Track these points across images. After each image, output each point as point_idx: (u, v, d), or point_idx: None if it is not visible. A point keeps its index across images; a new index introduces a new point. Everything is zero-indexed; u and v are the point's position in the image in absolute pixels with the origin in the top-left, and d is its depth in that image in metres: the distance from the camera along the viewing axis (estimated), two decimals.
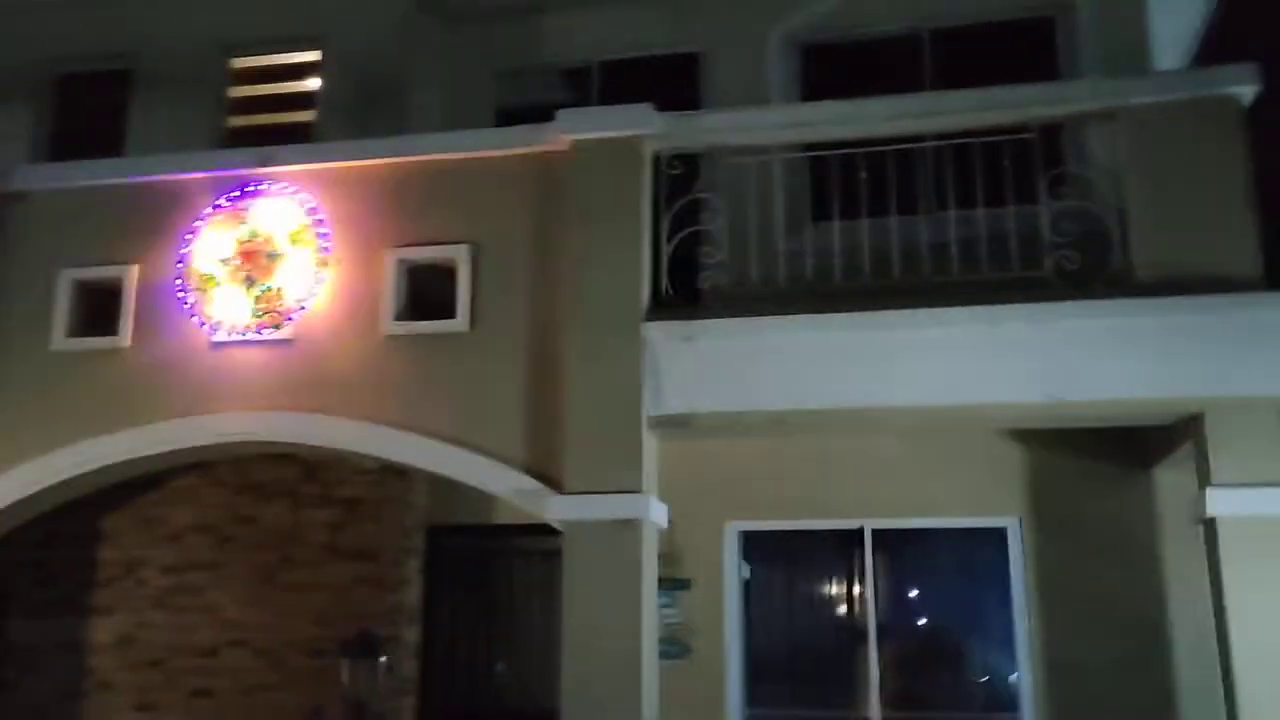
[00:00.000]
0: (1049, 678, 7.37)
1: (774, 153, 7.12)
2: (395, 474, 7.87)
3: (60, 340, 7.11)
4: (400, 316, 6.76)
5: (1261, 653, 5.62)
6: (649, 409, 6.27)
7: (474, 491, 8.18)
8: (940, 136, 6.80)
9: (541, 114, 6.92)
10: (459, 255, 6.74)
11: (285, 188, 6.98)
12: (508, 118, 8.85)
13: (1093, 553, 7.41)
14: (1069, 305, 6.03)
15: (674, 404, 6.27)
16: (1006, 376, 6.08)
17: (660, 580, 7.90)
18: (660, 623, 7.95)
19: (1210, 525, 5.85)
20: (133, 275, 7.07)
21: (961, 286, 6.30)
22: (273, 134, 8.81)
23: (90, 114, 9.34)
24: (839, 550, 7.88)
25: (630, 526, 6.11)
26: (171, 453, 6.89)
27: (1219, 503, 5.77)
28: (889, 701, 7.57)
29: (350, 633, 7.56)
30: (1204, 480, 5.89)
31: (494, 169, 6.86)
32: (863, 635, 7.69)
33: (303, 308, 6.78)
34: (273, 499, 7.98)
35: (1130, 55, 8.25)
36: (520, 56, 9.31)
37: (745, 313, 6.28)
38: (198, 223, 7.01)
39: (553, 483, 6.30)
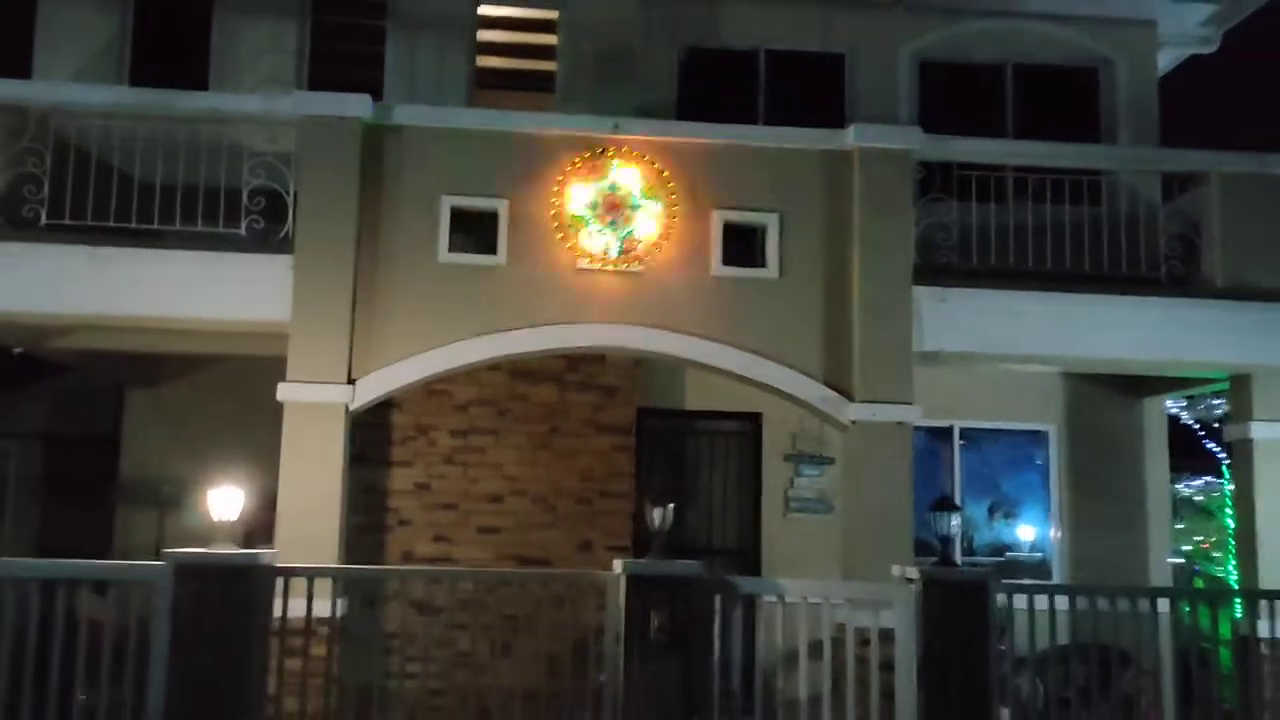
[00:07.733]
0: (1073, 535, 11.14)
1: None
2: (638, 368, 10.25)
3: (445, 255, 8.85)
4: (725, 262, 9.09)
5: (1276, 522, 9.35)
6: (915, 346, 9.08)
7: (668, 380, 10.84)
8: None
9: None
10: (769, 220, 9.12)
11: (633, 151, 9.05)
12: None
13: (1099, 449, 11.19)
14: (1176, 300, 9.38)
15: (930, 344, 9.12)
16: (1142, 340, 9.34)
17: (813, 456, 10.98)
18: (812, 486, 11.05)
19: (1246, 444, 9.46)
20: (505, 207, 8.91)
21: (1104, 280, 9.46)
22: (515, 78, 10.61)
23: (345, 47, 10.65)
24: (935, 441, 11.17)
25: (903, 428, 8.93)
26: (541, 351, 8.95)
27: (1257, 430, 9.39)
28: (966, 550, 11.06)
29: (602, 487, 10.09)
30: (1245, 415, 9.48)
31: (796, 157, 9.23)
32: (951, 501, 11.04)
33: (655, 248, 8.97)
34: (541, 382, 10.13)
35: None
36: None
37: (980, 285, 9.19)
38: (563, 173, 8.93)
39: (844, 393, 8.99)
